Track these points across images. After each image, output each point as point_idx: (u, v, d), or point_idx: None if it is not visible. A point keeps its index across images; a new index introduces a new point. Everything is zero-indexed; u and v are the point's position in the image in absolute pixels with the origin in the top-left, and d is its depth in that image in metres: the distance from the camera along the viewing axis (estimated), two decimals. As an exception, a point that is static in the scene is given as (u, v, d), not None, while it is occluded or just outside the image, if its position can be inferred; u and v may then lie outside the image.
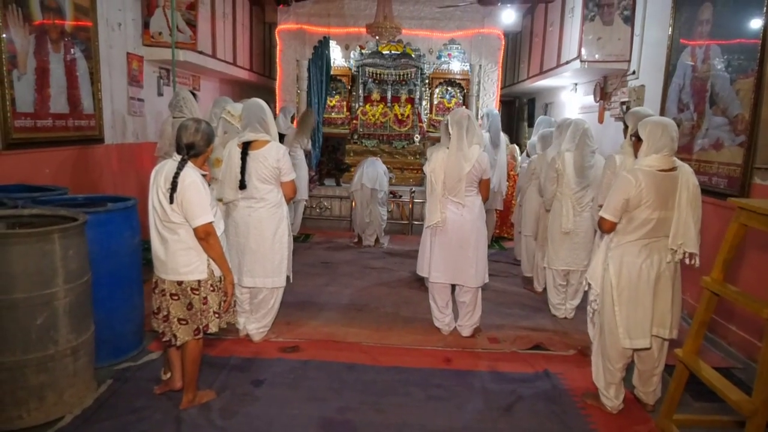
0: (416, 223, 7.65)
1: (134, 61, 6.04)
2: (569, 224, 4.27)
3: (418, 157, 9.27)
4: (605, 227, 2.92)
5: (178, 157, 2.70)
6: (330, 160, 9.52)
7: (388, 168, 7.11)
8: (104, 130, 5.41)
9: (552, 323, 4.39)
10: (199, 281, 2.72)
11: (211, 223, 2.67)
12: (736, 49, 4.07)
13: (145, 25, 6.16)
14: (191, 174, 2.66)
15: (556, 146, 4.84)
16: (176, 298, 2.74)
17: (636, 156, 2.91)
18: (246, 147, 3.52)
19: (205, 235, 2.67)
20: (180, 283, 2.72)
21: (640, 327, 2.86)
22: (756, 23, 3.84)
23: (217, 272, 2.77)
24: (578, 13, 6.22)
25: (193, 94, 5.10)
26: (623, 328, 2.88)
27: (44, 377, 2.65)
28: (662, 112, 5.11)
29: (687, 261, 2.83)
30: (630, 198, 2.77)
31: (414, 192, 7.65)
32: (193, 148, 2.71)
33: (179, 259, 2.69)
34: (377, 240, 6.85)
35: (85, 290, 2.86)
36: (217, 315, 2.77)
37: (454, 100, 9.79)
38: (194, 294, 2.73)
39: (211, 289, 2.76)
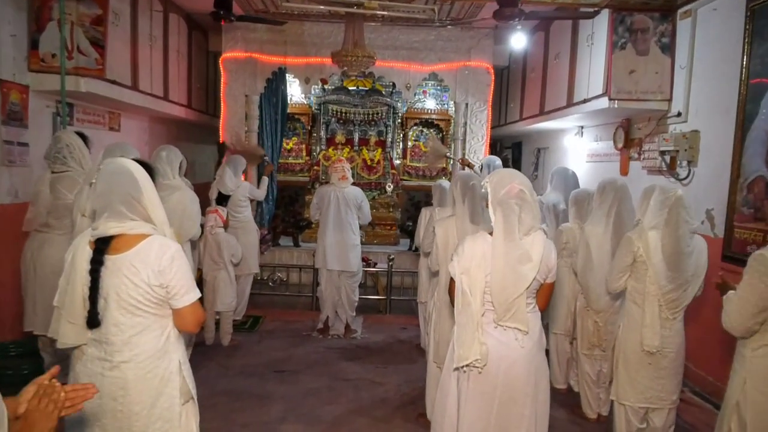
0: (395, 298, 6.08)
1: (14, 92, 4.36)
2: (656, 340, 2.81)
3: (391, 210, 7.83)
4: None
5: None
6: (287, 215, 7.96)
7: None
8: (-46, 190, 3.70)
9: (630, 490, 2.89)
10: None
11: None
12: None
13: (33, 44, 4.51)
14: None
15: (598, 217, 3.48)
16: None
17: None
18: (102, 248, 1.89)
19: None
20: None
21: None
22: None
23: None
24: (600, 41, 4.99)
25: (83, 138, 3.46)
26: None
27: None
28: (737, 169, 3.84)
29: None
30: None
31: (393, 258, 6.10)
32: None
33: None
34: (348, 328, 5.22)
35: None
36: None
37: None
38: None
39: None
